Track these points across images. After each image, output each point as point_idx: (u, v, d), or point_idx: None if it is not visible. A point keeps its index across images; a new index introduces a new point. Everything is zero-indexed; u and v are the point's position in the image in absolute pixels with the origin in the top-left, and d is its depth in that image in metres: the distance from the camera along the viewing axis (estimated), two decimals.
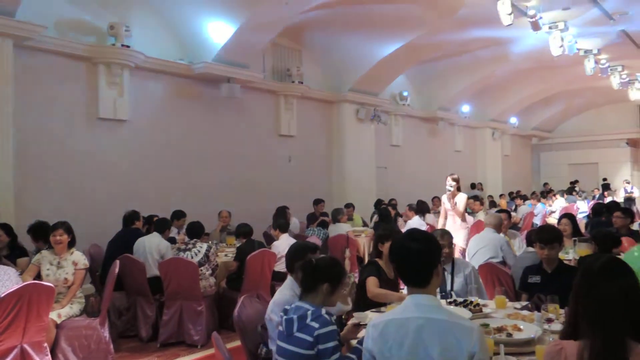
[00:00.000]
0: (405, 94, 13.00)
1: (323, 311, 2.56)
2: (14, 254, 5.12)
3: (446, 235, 4.03)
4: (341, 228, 8.28)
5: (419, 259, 2.09)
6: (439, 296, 3.49)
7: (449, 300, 3.55)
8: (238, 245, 6.14)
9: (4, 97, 6.28)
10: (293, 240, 6.32)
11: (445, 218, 6.84)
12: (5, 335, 3.70)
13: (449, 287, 3.84)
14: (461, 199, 6.64)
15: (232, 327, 4.52)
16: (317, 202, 9.44)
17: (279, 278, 6.05)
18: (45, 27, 6.59)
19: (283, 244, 6.19)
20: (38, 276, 4.44)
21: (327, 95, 11.19)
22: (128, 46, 7.48)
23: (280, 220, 6.57)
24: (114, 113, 7.66)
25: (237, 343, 3.44)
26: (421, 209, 8.89)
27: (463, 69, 12.89)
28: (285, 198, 9.20)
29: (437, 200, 11.56)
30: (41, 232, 5.19)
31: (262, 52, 9.50)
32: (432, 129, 14.68)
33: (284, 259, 6.07)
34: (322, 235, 7.99)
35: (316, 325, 2.47)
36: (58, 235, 4.51)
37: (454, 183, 6.64)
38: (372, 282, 3.72)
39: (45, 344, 3.99)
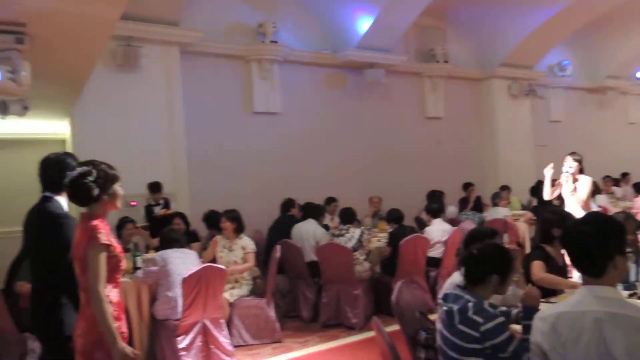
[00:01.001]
0: (565, 63, 11.75)
1: (486, 304, 2.38)
2: (188, 239, 5.75)
3: (630, 219, 3.55)
4: (499, 212, 7.85)
5: (592, 244, 1.87)
6: (620, 287, 3.11)
7: (631, 292, 3.14)
8: (390, 230, 6.15)
9: (176, 100, 7.08)
10: (447, 226, 6.17)
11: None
12: (189, 311, 4.18)
13: (632, 278, 3.40)
14: (584, 183, 5.49)
15: (389, 311, 4.57)
16: (467, 185, 9.04)
17: (433, 264, 5.95)
18: (203, 33, 7.23)
19: (436, 229, 6.06)
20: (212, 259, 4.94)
21: (475, 73, 10.61)
22: (276, 41, 7.90)
23: (433, 205, 6.41)
24: (267, 106, 8.17)
25: (394, 327, 3.43)
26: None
27: (637, 28, 11.24)
28: (434, 182, 8.95)
29: (608, 180, 10.41)
30: (212, 220, 5.78)
31: (404, 35, 9.31)
32: (599, 100, 13.07)
33: (437, 245, 6.00)
34: (477, 219, 7.65)
35: (480, 320, 2.31)
36: (222, 223, 5.09)
37: (574, 164, 5.57)
38: (537, 266, 3.47)
39: (222, 320, 4.43)
